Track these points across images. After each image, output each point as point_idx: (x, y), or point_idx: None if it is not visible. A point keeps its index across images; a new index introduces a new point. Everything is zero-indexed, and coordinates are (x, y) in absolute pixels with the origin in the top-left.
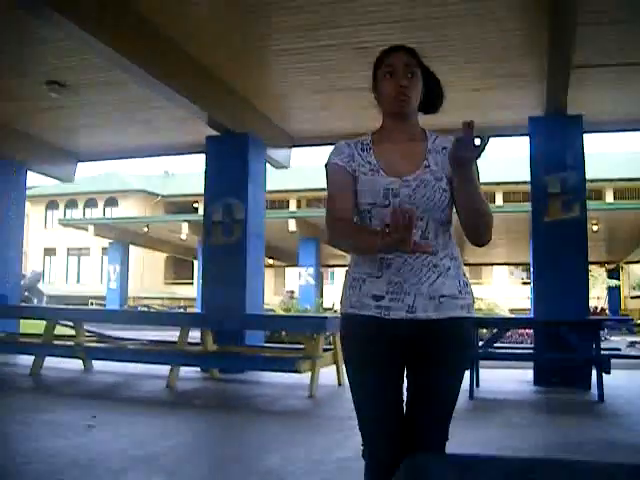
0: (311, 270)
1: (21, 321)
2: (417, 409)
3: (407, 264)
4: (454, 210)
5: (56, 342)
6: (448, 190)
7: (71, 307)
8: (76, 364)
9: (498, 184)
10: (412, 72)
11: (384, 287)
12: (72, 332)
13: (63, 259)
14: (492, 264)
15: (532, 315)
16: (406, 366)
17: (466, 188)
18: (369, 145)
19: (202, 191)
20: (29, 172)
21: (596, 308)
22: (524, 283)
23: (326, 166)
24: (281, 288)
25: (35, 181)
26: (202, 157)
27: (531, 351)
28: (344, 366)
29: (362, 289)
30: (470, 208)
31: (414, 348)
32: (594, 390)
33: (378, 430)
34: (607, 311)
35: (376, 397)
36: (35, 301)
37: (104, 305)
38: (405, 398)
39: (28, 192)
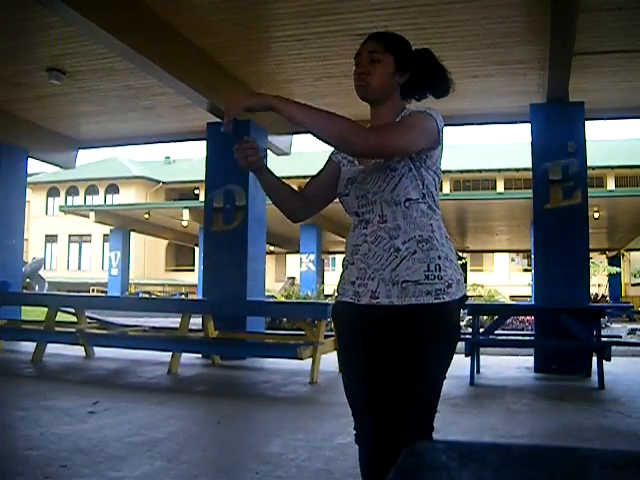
0: (312, 257)
1: (22, 308)
2: (393, 396)
3: (370, 250)
4: (421, 186)
5: (58, 329)
6: (399, 167)
7: (72, 294)
8: (78, 351)
9: (499, 171)
10: (374, 58)
11: (356, 273)
12: (74, 319)
13: (64, 246)
14: (493, 251)
15: (533, 302)
16: (385, 350)
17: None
18: None
19: (203, 177)
20: (29, 159)
21: (597, 295)
22: (525, 270)
23: None
24: (282, 275)
25: (36, 168)
26: (203, 143)
27: (532, 338)
28: None
29: (344, 276)
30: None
31: (386, 333)
32: (594, 377)
33: (359, 413)
34: (608, 298)
35: (357, 380)
36: (37, 288)
37: (105, 292)
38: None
39: (29, 179)
